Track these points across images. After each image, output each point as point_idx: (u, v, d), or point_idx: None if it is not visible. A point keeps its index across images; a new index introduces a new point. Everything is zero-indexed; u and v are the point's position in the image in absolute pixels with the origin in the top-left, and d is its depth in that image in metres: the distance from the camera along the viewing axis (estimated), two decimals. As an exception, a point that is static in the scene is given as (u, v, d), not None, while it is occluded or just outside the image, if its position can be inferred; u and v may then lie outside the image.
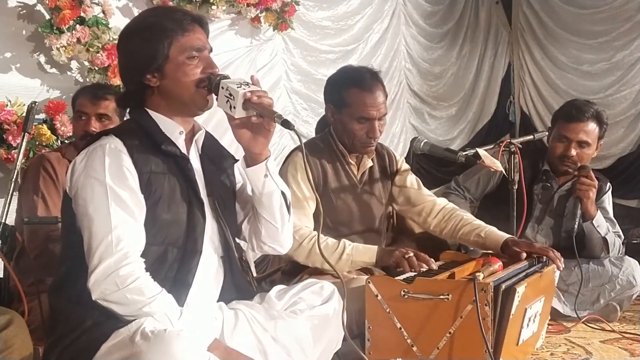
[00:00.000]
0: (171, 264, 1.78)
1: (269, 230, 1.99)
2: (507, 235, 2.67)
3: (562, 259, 2.62)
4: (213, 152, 1.98)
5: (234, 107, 1.79)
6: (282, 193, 1.95)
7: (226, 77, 1.84)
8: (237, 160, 2.06)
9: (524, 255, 2.56)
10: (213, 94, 1.85)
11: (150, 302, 1.66)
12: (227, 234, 1.92)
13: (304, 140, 2.09)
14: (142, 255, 1.73)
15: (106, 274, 1.65)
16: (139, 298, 1.66)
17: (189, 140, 1.92)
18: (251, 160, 1.90)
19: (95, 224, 1.69)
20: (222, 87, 1.81)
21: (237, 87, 1.79)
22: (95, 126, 2.82)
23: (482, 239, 2.69)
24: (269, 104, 1.81)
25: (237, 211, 2.05)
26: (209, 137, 1.99)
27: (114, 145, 1.76)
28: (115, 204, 1.70)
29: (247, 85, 1.82)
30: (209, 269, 1.89)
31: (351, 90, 2.65)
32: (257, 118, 1.82)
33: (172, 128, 1.86)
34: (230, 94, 1.79)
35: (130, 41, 1.88)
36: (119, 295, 1.65)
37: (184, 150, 1.87)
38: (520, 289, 2.22)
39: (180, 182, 1.83)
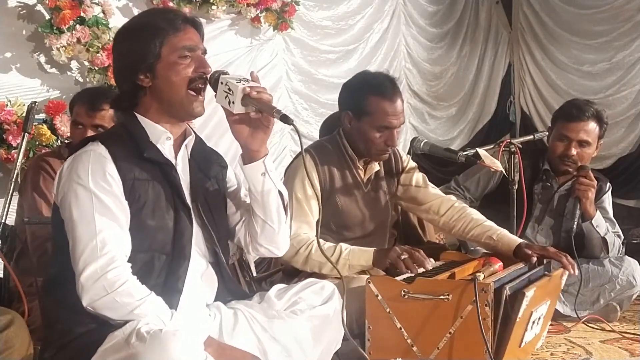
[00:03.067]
0: (159, 271, 1.78)
1: (266, 231, 1.97)
2: (520, 240, 2.66)
3: (573, 263, 2.61)
4: (201, 158, 1.97)
5: (233, 103, 1.79)
6: (280, 193, 1.94)
7: (225, 73, 1.83)
8: (226, 167, 2.06)
9: (534, 258, 2.55)
10: (203, 97, 1.85)
11: (140, 304, 1.66)
12: (214, 240, 1.91)
13: (305, 140, 2.08)
14: (129, 262, 1.72)
15: (94, 279, 1.65)
16: (129, 300, 1.66)
17: (178, 146, 1.90)
18: (249, 157, 1.89)
19: (80, 229, 1.69)
20: (222, 83, 1.81)
21: (237, 83, 1.79)
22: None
23: (494, 242, 2.67)
24: (269, 100, 1.80)
25: (230, 214, 2.04)
26: (198, 142, 1.98)
27: (98, 151, 1.76)
28: (99, 209, 1.70)
29: (247, 81, 1.82)
30: (199, 274, 1.89)
31: (372, 98, 2.61)
32: (256, 114, 1.82)
33: (159, 133, 1.85)
34: (230, 89, 1.79)
35: (123, 42, 1.88)
36: (109, 299, 1.65)
37: (170, 156, 1.86)
38: (529, 293, 2.21)
39: (166, 188, 1.82)
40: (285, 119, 1.77)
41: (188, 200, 1.86)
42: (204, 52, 1.88)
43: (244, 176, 1.93)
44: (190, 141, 1.93)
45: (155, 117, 1.85)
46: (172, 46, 1.82)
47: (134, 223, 1.75)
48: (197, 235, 1.88)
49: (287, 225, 2.01)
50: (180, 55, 1.82)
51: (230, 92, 1.79)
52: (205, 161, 1.98)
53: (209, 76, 1.84)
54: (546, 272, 2.55)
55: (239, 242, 2.07)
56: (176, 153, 1.89)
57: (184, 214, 1.83)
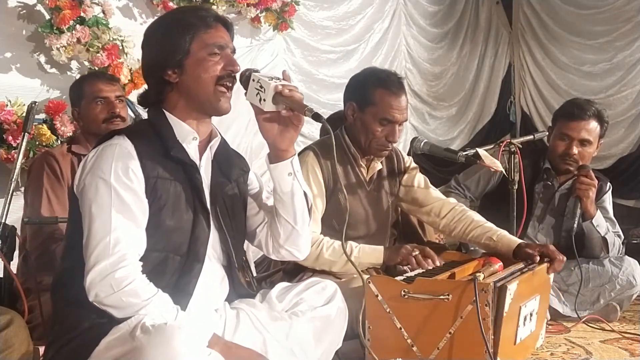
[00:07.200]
0: (172, 272, 1.78)
1: (289, 233, 1.96)
2: (520, 240, 2.67)
3: (563, 262, 2.62)
4: (224, 160, 1.96)
5: (264, 100, 1.80)
6: (304, 194, 1.93)
7: (256, 71, 1.84)
8: (249, 171, 2.05)
9: (538, 257, 2.55)
10: (230, 94, 1.85)
11: (146, 304, 1.66)
12: (229, 244, 1.90)
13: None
14: (142, 261, 1.72)
15: (102, 276, 1.65)
16: (135, 301, 1.65)
17: (203, 147, 1.89)
18: (276, 157, 1.88)
19: (96, 224, 1.69)
20: (253, 80, 1.81)
21: (269, 80, 1.80)
22: (119, 107, 2.86)
23: (494, 243, 2.68)
24: (300, 98, 1.80)
25: (251, 216, 2.03)
26: (223, 144, 1.97)
27: (124, 146, 1.75)
28: (117, 206, 1.70)
29: (278, 79, 1.83)
30: (211, 277, 1.88)
31: (378, 90, 2.64)
32: (287, 112, 1.82)
33: (186, 133, 1.84)
34: (261, 87, 1.80)
35: (153, 37, 1.88)
36: (115, 298, 1.65)
37: (195, 156, 1.85)
38: (512, 287, 2.22)
39: (187, 189, 1.82)
40: (317, 117, 1.77)
41: (208, 202, 1.85)
42: (233, 51, 1.89)
43: (270, 176, 1.91)
44: (215, 143, 1.93)
45: (182, 114, 1.85)
46: (202, 43, 1.82)
47: (152, 222, 1.75)
48: (213, 238, 1.87)
49: (309, 228, 2.00)
50: (209, 52, 1.82)
51: (262, 90, 1.79)
52: (228, 164, 1.97)
53: (239, 74, 1.84)
54: (529, 267, 2.54)
55: (260, 244, 2.05)
56: (201, 154, 1.88)
57: (202, 217, 1.83)
